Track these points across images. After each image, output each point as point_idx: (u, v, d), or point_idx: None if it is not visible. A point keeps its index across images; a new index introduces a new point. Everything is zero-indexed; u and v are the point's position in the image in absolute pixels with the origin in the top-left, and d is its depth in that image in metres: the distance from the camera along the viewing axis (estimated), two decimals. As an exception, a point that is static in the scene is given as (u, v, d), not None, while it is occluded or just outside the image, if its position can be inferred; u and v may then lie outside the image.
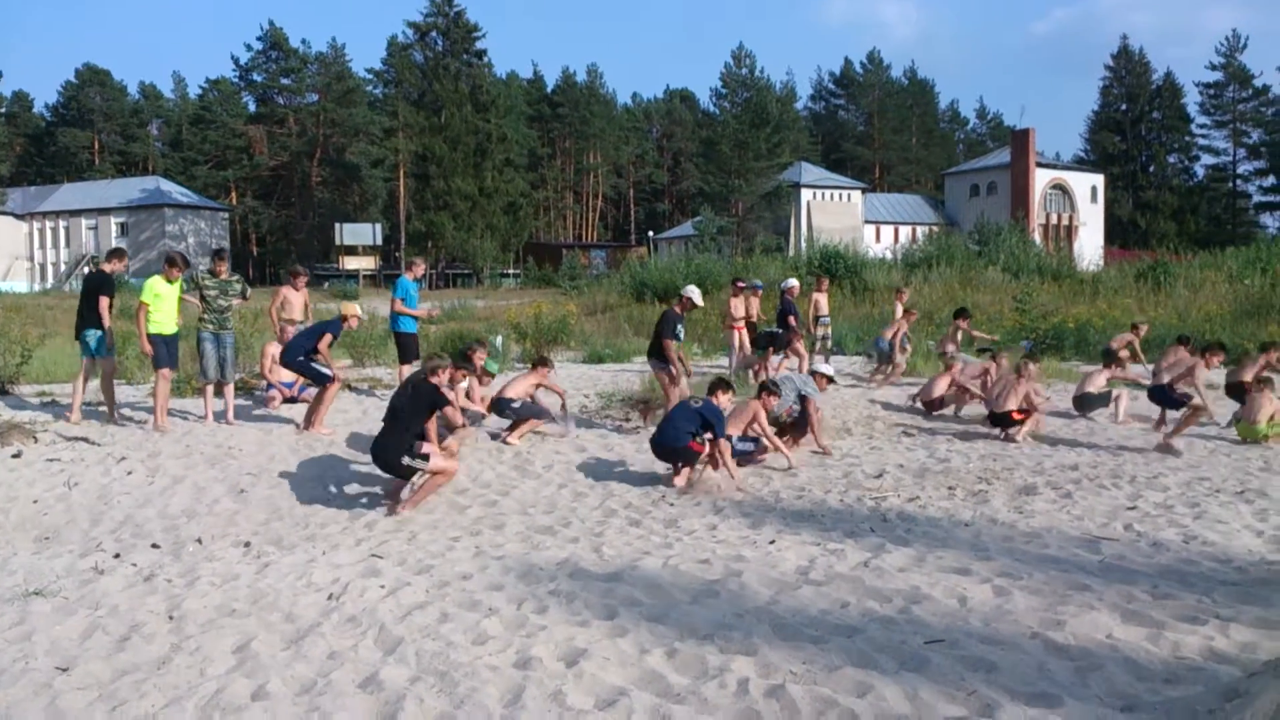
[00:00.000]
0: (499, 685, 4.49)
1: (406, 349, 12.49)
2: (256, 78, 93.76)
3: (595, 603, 5.65)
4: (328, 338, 10.26)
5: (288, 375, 11.58)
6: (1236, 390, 11.81)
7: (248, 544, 7.03)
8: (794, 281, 16.12)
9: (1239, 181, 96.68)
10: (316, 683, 4.56)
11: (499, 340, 17.95)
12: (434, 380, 7.74)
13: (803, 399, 10.55)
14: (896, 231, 70.98)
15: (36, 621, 5.36)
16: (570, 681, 4.53)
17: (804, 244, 48.12)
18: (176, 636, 5.15)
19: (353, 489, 8.65)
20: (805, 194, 70.24)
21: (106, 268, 10.85)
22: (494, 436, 10.66)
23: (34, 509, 7.99)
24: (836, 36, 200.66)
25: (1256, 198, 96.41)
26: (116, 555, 6.70)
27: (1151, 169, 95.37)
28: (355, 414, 11.63)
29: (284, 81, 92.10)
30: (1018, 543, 7.08)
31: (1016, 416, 11.21)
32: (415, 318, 12.62)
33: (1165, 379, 11.00)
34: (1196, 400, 10.87)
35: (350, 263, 70.94)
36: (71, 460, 9.27)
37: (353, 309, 10.90)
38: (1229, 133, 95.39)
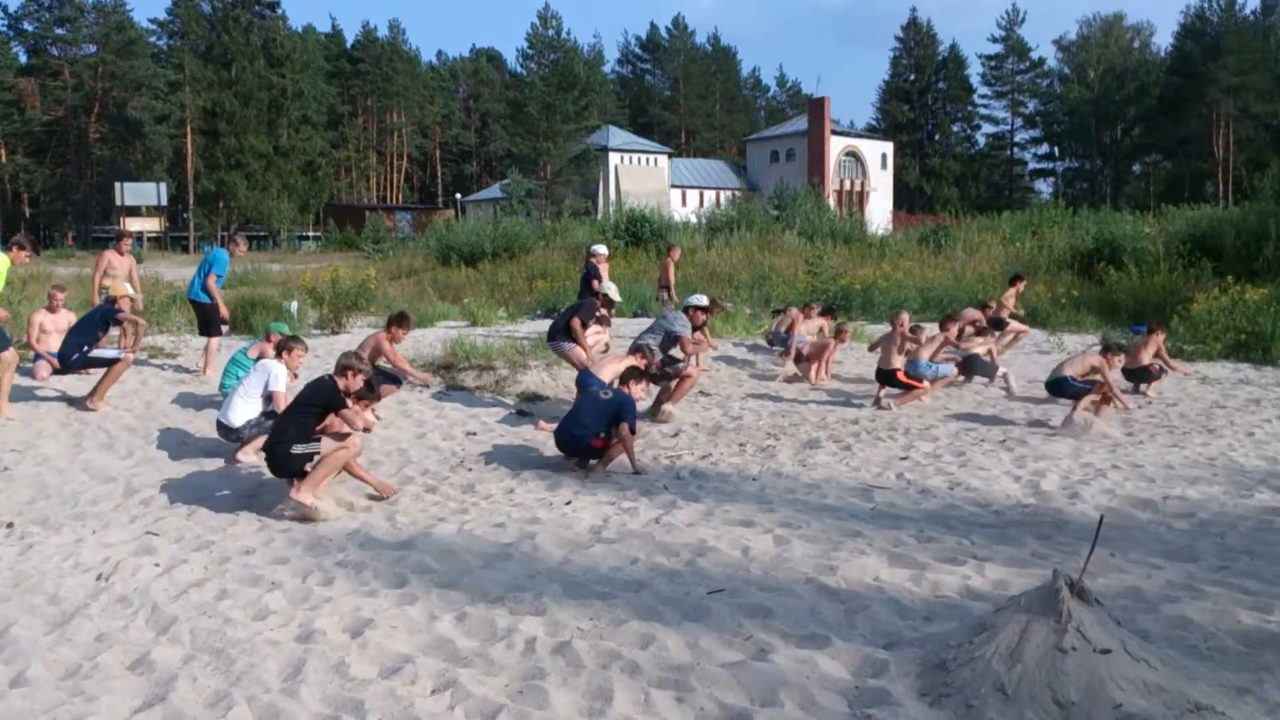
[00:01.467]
0: (278, 660, 4.39)
1: (208, 322, 11.75)
2: (28, 27, 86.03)
3: (385, 572, 5.59)
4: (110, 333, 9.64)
5: (56, 344, 10.77)
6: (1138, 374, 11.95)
7: (10, 525, 6.57)
8: (602, 248, 16.02)
9: (1016, 149, 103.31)
10: (82, 666, 4.34)
11: (293, 307, 17.30)
12: (341, 381, 6.96)
13: (673, 340, 10.49)
14: (701, 196, 72.29)
15: None
16: (354, 652, 4.49)
17: (612, 207, 48.40)
18: (-77, 627, 4.79)
19: (128, 464, 8.19)
20: (613, 158, 70.55)
21: None
22: None
23: None
24: (642, 1, 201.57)
25: (1032, 165, 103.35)
26: None
27: (937, 137, 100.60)
28: (133, 384, 10.98)
29: (58, 31, 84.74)
30: (799, 494, 7.43)
31: (902, 378, 11.11)
32: (216, 304, 11.73)
33: (1066, 372, 10.32)
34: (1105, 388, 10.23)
35: (133, 224, 66.41)
36: None
37: (122, 289, 10.17)
38: (1008, 103, 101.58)
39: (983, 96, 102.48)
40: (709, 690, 4.04)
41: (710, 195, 71.31)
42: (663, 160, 74.85)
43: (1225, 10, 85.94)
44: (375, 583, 5.40)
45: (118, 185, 68.58)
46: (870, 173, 78.64)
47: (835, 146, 75.56)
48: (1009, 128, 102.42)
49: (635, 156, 72.62)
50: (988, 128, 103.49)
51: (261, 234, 69.99)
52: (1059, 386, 10.37)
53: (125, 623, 4.83)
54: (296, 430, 6.78)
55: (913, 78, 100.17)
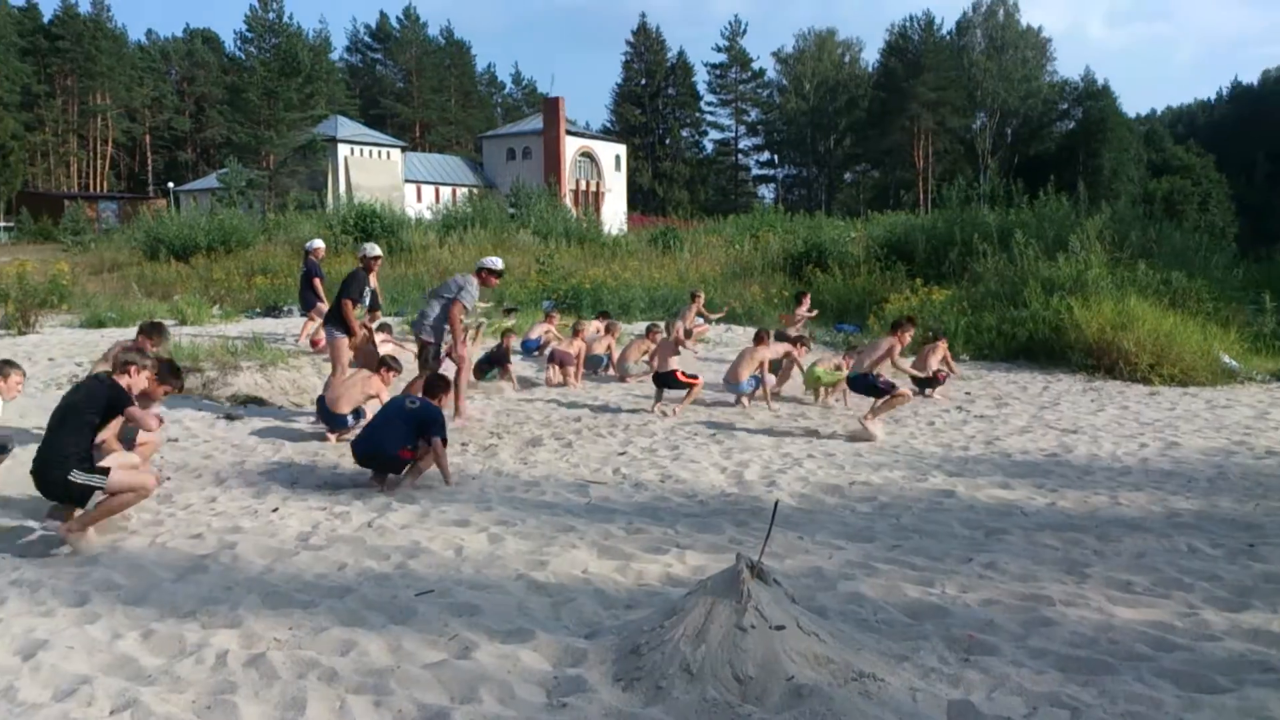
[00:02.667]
0: (-69, 692, 4.00)
1: None
2: None
3: (65, 589, 5.20)
4: None
5: None
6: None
7: None
8: (319, 243, 15.53)
9: (740, 155, 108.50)
10: None
11: (-26, 303, 15.68)
12: (122, 379, 6.01)
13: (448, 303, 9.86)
14: (437, 192, 71.29)
15: None
16: (25, 675, 4.16)
17: (342, 201, 46.84)
18: None
19: None
20: (343, 149, 68.20)
21: None
22: None
23: None
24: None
25: (755, 170, 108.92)
26: None
27: (668, 141, 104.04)
28: None
29: None
30: (518, 492, 7.53)
31: (682, 378, 11.14)
32: None
33: (865, 365, 10.10)
34: (903, 391, 10.07)
35: None
36: None
37: None
38: (732, 111, 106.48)
39: (709, 104, 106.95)
40: (408, 692, 4.04)
41: (446, 191, 70.45)
42: (396, 154, 73.18)
43: (925, 30, 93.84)
44: (52, 601, 5.02)
45: None
46: (605, 174, 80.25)
47: (570, 146, 76.55)
48: (734, 135, 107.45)
49: (367, 149, 70.59)
50: (715, 134, 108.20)
51: (-59, 223, 62.78)
52: (862, 383, 10.10)
53: None
54: (75, 447, 5.70)
55: (644, 82, 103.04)
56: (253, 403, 10.67)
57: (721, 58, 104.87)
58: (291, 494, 7.32)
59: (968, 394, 12.52)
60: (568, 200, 60.77)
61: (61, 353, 12.57)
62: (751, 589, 4.27)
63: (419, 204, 62.05)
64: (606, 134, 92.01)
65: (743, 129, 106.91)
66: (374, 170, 68.26)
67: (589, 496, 7.41)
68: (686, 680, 4.01)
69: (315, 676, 4.17)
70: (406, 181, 71.03)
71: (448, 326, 9.81)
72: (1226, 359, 14.16)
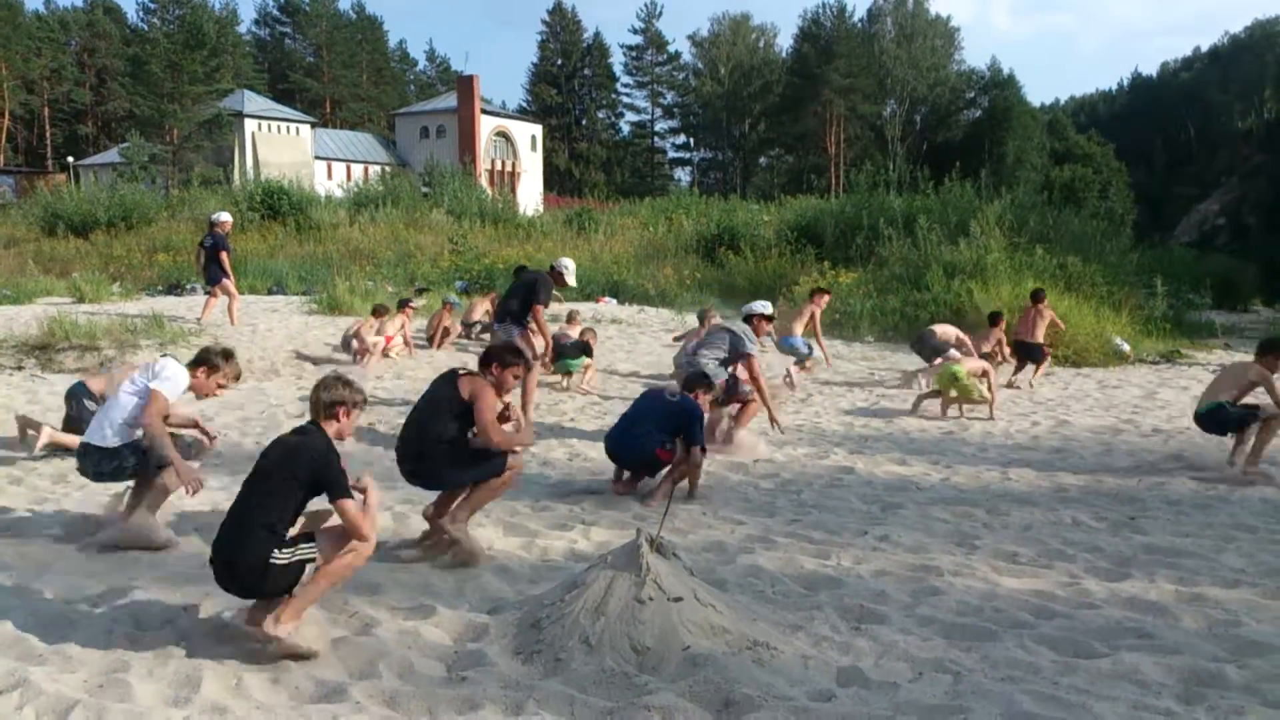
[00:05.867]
0: None
1: None
2: None
3: (-50, 572, 5.06)
4: None
5: None
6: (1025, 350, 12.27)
7: None
8: (226, 215, 15.08)
9: (657, 138, 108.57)
10: None
11: None
12: (329, 426, 4.42)
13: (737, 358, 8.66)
14: (349, 169, 69.98)
15: None
16: (-96, 661, 4.05)
17: (248, 177, 45.69)
18: None
19: None
20: (249, 124, 66.49)
21: None
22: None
23: None
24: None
25: (671, 154, 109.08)
26: None
27: (584, 122, 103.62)
28: None
29: None
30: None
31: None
32: None
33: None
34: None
35: None
36: None
37: None
38: (648, 93, 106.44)
39: (625, 85, 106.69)
40: (305, 669, 4.04)
41: (358, 169, 69.22)
42: (305, 130, 71.61)
43: (837, 17, 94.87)
44: (-64, 585, 4.88)
45: None
46: (521, 154, 79.65)
47: (486, 126, 75.79)
48: (650, 117, 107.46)
49: (275, 125, 68.92)
50: (631, 116, 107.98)
51: None
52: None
53: None
54: (272, 523, 4.14)
55: (560, 62, 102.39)
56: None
57: (638, 39, 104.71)
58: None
59: (872, 375, 12.80)
60: (483, 180, 60.20)
61: (-51, 331, 12.12)
62: (651, 562, 4.36)
63: (329, 181, 60.90)
64: (523, 114, 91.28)
65: (659, 112, 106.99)
66: (282, 146, 66.76)
67: (496, 475, 7.42)
68: (585, 652, 4.09)
69: (208, 655, 4.14)
70: (316, 158, 69.62)
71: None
72: (1118, 341, 14.73)
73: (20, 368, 10.87)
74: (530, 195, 64.72)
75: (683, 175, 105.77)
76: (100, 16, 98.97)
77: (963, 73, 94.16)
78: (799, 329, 11.88)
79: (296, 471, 4.16)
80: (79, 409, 7.44)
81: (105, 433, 5.56)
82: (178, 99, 59.29)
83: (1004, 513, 6.58)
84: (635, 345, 14.27)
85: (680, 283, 20.49)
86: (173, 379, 5.62)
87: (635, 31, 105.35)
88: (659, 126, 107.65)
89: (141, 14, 73.03)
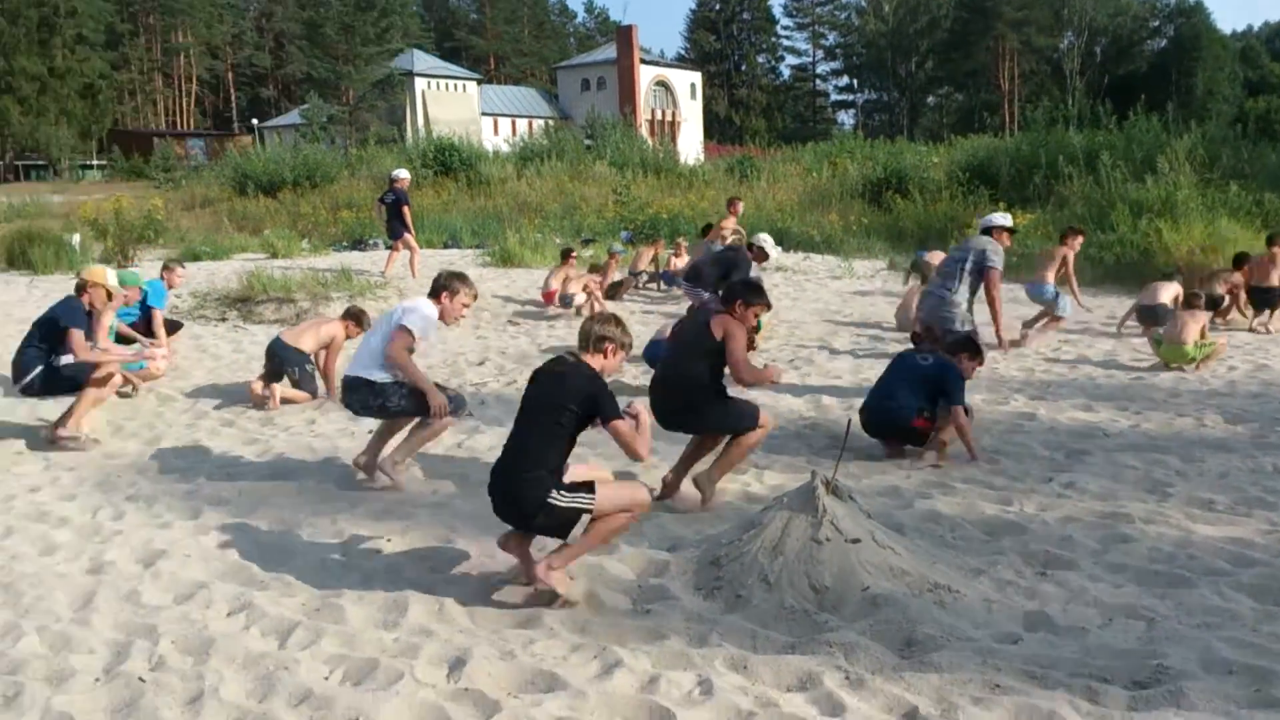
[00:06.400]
0: (68, 591, 4.37)
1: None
2: None
3: (178, 505, 5.55)
4: (76, 336, 6.61)
5: None
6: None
7: None
8: (404, 172, 15.69)
9: (819, 81, 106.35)
10: None
11: (75, 240, 16.34)
12: (594, 359, 4.40)
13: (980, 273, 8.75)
14: (514, 124, 71.38)
15: None
16: (147, 581, 4.49)
17: (420, 135, 47.19)
18: None
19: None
20: (419, 83, 68.58)
21: None
22: None
23: None
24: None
25: (834, 96, 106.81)
26: None
27: (744, 68, 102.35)
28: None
29: None
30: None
31: (548, 299, 12.50)
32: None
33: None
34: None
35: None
36: None
37: (99, 274, 7.16)
38: (809, 35, 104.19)
39: (786, 28, 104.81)
40: (500, 598, 4.27)
41: (523, 124, 70.47)
42: (472, 87, 73.35)
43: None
44: (168, 515, 5.37)
45: None
46: (680, 102, 79.41)
47: (645, 76, 75.83)
48: (811, 60, 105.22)
49: (443, 82, 70.85)
50: (791, 59, 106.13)
51: (41, 163, 64.85)
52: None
53: (-104, 567, 4.66)
54: (547, 456, 4.21)
55: (718, 7, 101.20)
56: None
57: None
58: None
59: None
60: (643, 130, 60.35)
61: (160, 286, 13.09)
62: (827, 504, 4.40)
63: (495, 137, 62.19)
64: (681, 62, 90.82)
65: (820, 53, 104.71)
66: (451, 104, 68.56)
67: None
68: (764, 589, 4.17)
69: (412, 584, 4.43)
70: (483, 114, 71.23)
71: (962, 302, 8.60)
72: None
73: (224, 319, 11.66)
74: (690, 144, 64.45)
75: (846, 118, 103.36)
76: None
77: (1146, 1, 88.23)
78: (1050, 276, 10.66)
79: (566, 399, 4.17)
80: (279, 361, 7.95)
81: (372, 367, 5.73)
82: (351, 60, 61.59)
83: (1198, 459, 6.29)
84: (801, 293, 14.15)
85: (846, 228, 20.11)
86: (416, 311, 5.74)
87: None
88: (821, 69, 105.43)
89: (315, -23, 75.72)
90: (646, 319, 12.07)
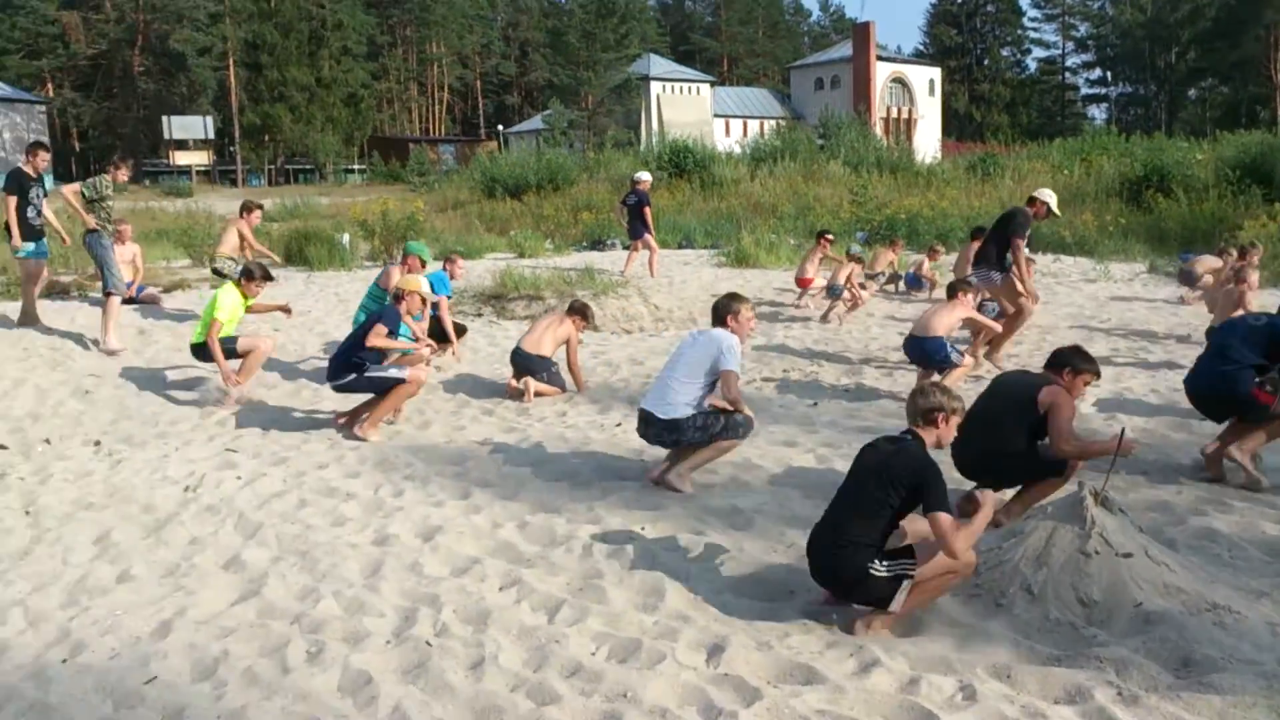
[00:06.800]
0: (358, 560, 4.79)
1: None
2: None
3: (450, 485, 5.96)
4: (381, 329, 7.10)
5: (128, 274, 11.10)
6: None
7: (98, 443, 7.03)
8: (646, 175, 16.12)
9: (1068, 74, 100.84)
10: (180, 565, 4.76)
11: (345, 239, 17.68)
12: (928, 434, 4.21)
13: None
14: (745, 125, 71.59)
15: (-117, 524, 5.34)
16: (427, 554, 4.87)
17: (655, 138, 48.17)
18: (35, 530, 5.26)
19: (201, 389, 8.62)
20: (655, 87, 69.93)
21: (26, 167, 9.84)
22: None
23: None
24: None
25: (1084, 90, 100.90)
26: (-41, 459, 6.63)
27: (986, 62, 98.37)
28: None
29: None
30: (839, 417, 7.68)
31: (804, 284, 12.69)
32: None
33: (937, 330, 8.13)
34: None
35: (181, 158, 67.46)
36: (-103, 367, 8.94)
37: (415, 283, 7.75)
38: (1059, 26, 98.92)
39: (1033, 19, 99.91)
40: (751, 587, 4.38)
41: (754, 125, 70.60)
42: (705, 89, 74.05)
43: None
44: (441, 494, 5.78)
45: (165, 119, 69.32)
46: (918, 99, 77.26)
47: (881, 73, 74.23)
48: (1060, 52, 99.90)
49: (677, 86, 71.91)
50: (1038, 52, 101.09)
51: (308, 168, 70.57)
52: (921, 348, 8.16)
53: (215, 528, 5.25)
54: (868, 534, 4.00)
55: (960, 0, 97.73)
56: (587, 329, 11.39)
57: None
58: (630, 411, 7.86)
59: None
60: (877, 129, 59.15)
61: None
62: (1095, 515, 4.23)
63: (728, 138, 62.56)
64: (919, 58, 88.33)
65: (1070, 45, 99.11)
66: (684, 106, 69.50)
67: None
68: (1027, 600, 4.08)
69: (668, 571, 4.59)
70: (715, 116, 71.77)
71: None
72: None
73: (479, 314, 12.35)
74: (928, 142, 62.61)
75: (1096, 113, 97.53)
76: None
77: None
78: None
79: (893, 481, 3.97)
80: (525, 368, 8.34)
81: (671, 404, 5.68)
82: (591, 66, 63.49)
83: None
84: (1052, 296, 13.51)
85: (1101, 229, 19.04)
86: (730, 350, 5.66)
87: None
88: (1070, 61, 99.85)
89: (558, -13, 78.78)
90: (886, 323, 11.88)
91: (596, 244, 21.02)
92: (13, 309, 10.75)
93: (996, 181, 27.78)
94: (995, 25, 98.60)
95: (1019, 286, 8.77)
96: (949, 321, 8.09)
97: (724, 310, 5.81)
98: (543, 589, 4.40)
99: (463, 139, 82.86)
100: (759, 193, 27.92)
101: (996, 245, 8.87)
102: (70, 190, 9.62)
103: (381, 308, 7.86)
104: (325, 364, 9.48)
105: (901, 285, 14.36)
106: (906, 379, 8.94)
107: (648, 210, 14.83)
